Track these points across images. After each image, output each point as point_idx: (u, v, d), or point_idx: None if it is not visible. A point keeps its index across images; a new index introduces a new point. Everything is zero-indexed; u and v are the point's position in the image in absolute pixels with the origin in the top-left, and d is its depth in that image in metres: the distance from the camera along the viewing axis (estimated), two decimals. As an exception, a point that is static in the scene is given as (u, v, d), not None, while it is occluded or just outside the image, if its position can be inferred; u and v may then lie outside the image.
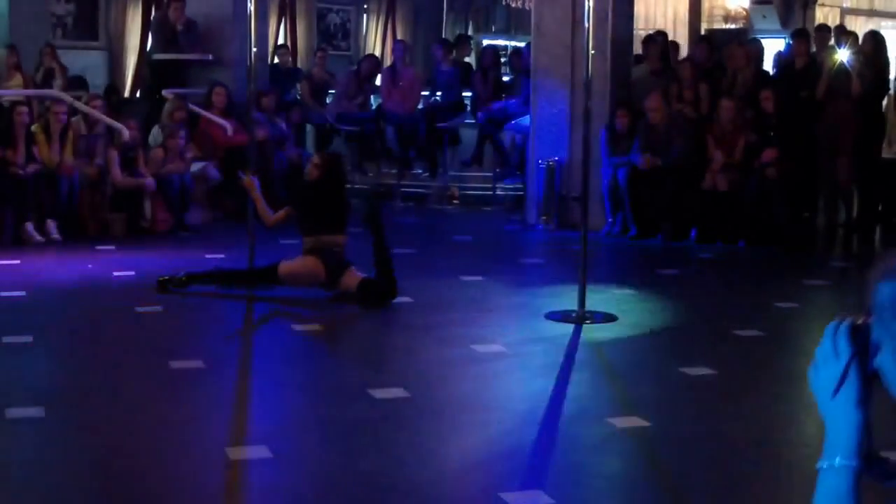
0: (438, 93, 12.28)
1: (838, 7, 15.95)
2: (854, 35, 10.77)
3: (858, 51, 10.01)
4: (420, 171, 12.22)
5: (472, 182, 12.18)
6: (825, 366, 1.59)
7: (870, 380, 1.57)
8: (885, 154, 10.70)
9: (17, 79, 11.11)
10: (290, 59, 14.01)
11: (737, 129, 9.63)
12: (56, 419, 4.72)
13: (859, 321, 1.59)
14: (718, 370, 5.59)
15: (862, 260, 9.58)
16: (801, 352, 6.27)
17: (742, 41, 11.41)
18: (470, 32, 19.22)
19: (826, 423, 1.59)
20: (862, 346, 1.57)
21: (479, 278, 7.98)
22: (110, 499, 3.92)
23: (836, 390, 1.57)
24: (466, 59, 13.15)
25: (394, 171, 12.27)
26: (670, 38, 12.46)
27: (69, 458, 4.29)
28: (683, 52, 13.08)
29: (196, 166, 10.31)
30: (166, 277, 7.20)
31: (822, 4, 15.34)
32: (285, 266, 7.02)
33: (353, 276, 6.97)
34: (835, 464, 1.56)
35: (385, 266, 6.93)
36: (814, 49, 10.51)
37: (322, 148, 12.46)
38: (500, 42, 17.27)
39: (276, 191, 10.44)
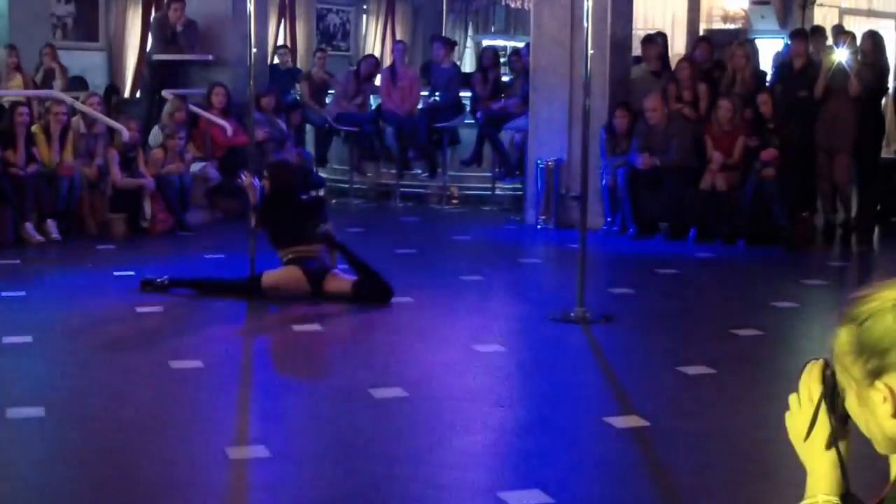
0: (437, 93, 12.30)
1: (836, 7, 15.96)
2: (852, 35, 10.78)
3: (857, 50, 10.02)
4: (419, 171, 12.24)
5: (472, 182, 12.20)
6: (799, 410, 1.65)
7: (842, 420, 1.60)
8: (884, 154, 10.71)
9: (18, 79, 11.13)
10: (290, 59, 14.03)
11: (735, 130, 9.65)
12: (56, 419, 4.74)
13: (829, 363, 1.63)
14: (717, 369, 5.61)
15: (861, 260, 9.60)
16: (800, 351, 6.29)
17: (741, 41, 11.43)
18: (469, 33, 19.25)
19: (805, 466, 1.63)
20: (832, 388, 1.60)
21: (479, 278, 7.99)
22: (110, 498, 3.93)
23: (808, 434, 1.62)
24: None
25: (393, 171, 12.29)
26: (669, 38, 12.47)
27: (69, 458, 4.30)
28: (680, 51, 13.10)
29: (196, 166, 10.33)
30: (149, 279, 7.25)
31: (821, 5, 15.34)
32: (268, 278, 7.02)
33: (341, 280, 6.98)
34: (818, 501, 1.60)
35: (365, 272, 6.96)
36: (812, 49, 10.52)
37: (322, 148, 12.49)
38: (500, 42, 17.29)
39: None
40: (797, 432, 1.65)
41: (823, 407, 1.62)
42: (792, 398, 1.67)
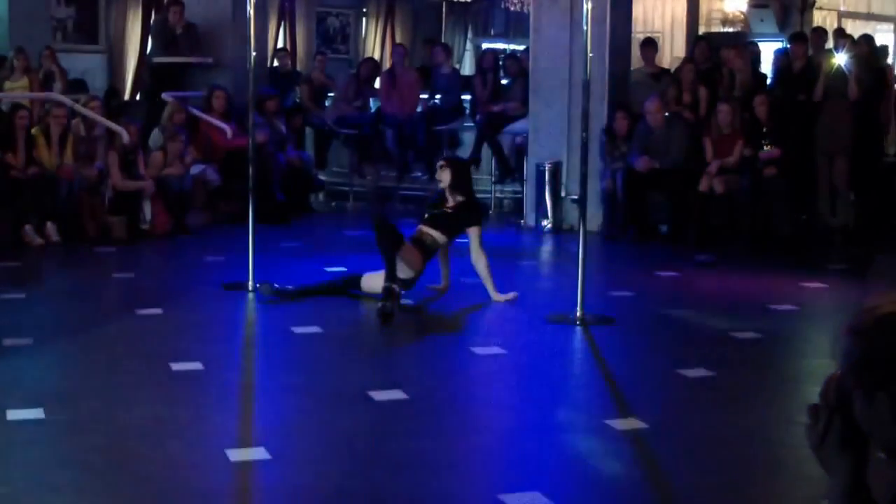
0: (437, 96, 12.31)
1: (836, 10, 15.98)
2: (851, 38, 10.80)
3: (855, 54, 10.03)
4: (419, 173, 12.24)
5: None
6: (817, 418, 1.68)
7: (855, 428, 1.63)
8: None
9: (24, 81, 11.12)
10: (290, 62, 14.04)
11: (734, 132, 9.66)
12: (56, 421, 4.74)
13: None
14: (716, 372, 5.62)
15: (859, 263, 9.60)
16: (799, 354, 6.30)
17: (740, 44, 11.44)
18: (469, 36, 19.26)
19: (825, 471, 1.68)
20: (845, 397, 1.63)
21: (478, 280, 7.99)
22: (109, 500, 3.94)
23: (821, 441, 1.66)
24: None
25: (393, 173, 12.29)
26: (668, 41, 12.49)
27: (68, 460, 4.31)
28: (680, 54, 13.10)
29: (196, 169, 10.33)
30: (278, 288, 7.04)
31: (820, 8, 15.37)
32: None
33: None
34: None
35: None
36: (811, 52, 10.54)
37: (322, 151, 12.49)
38: (499, 45, 17.32)
39: (275, 194, 10.47)
40: (814, 439, 1.68)
41: (836, 414, 1.64)
42: (810, 407, 1.70)
